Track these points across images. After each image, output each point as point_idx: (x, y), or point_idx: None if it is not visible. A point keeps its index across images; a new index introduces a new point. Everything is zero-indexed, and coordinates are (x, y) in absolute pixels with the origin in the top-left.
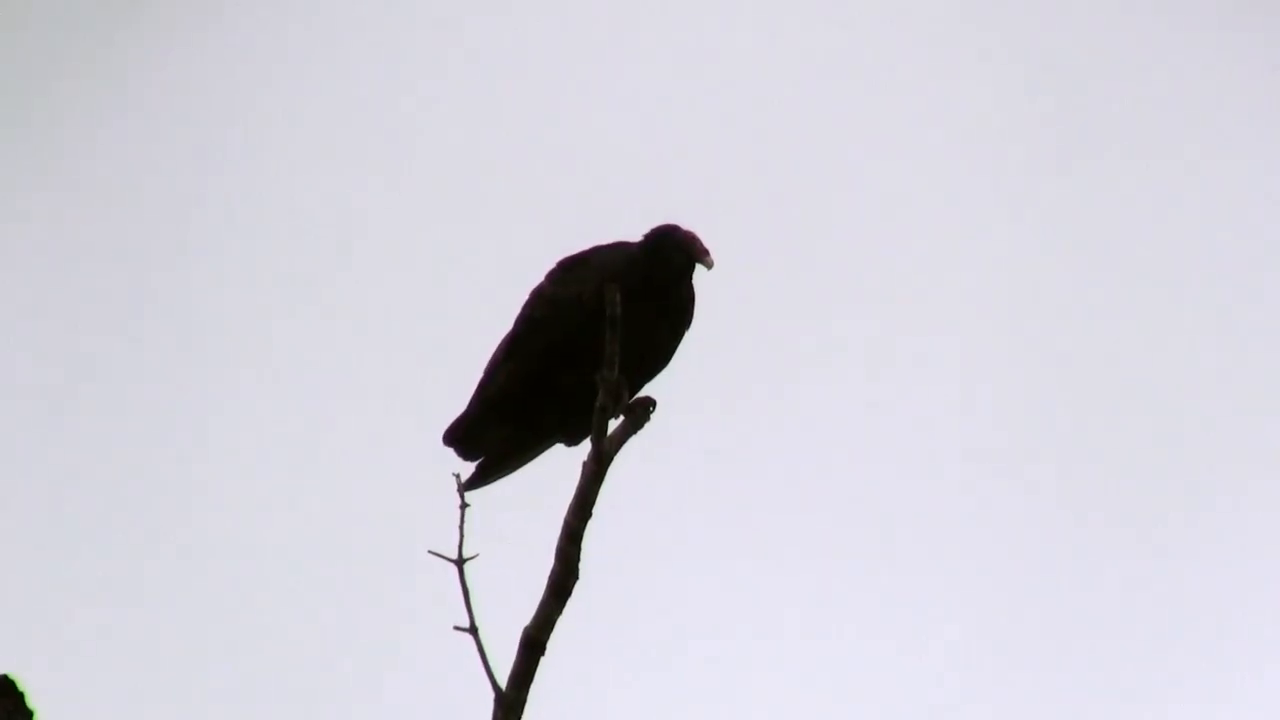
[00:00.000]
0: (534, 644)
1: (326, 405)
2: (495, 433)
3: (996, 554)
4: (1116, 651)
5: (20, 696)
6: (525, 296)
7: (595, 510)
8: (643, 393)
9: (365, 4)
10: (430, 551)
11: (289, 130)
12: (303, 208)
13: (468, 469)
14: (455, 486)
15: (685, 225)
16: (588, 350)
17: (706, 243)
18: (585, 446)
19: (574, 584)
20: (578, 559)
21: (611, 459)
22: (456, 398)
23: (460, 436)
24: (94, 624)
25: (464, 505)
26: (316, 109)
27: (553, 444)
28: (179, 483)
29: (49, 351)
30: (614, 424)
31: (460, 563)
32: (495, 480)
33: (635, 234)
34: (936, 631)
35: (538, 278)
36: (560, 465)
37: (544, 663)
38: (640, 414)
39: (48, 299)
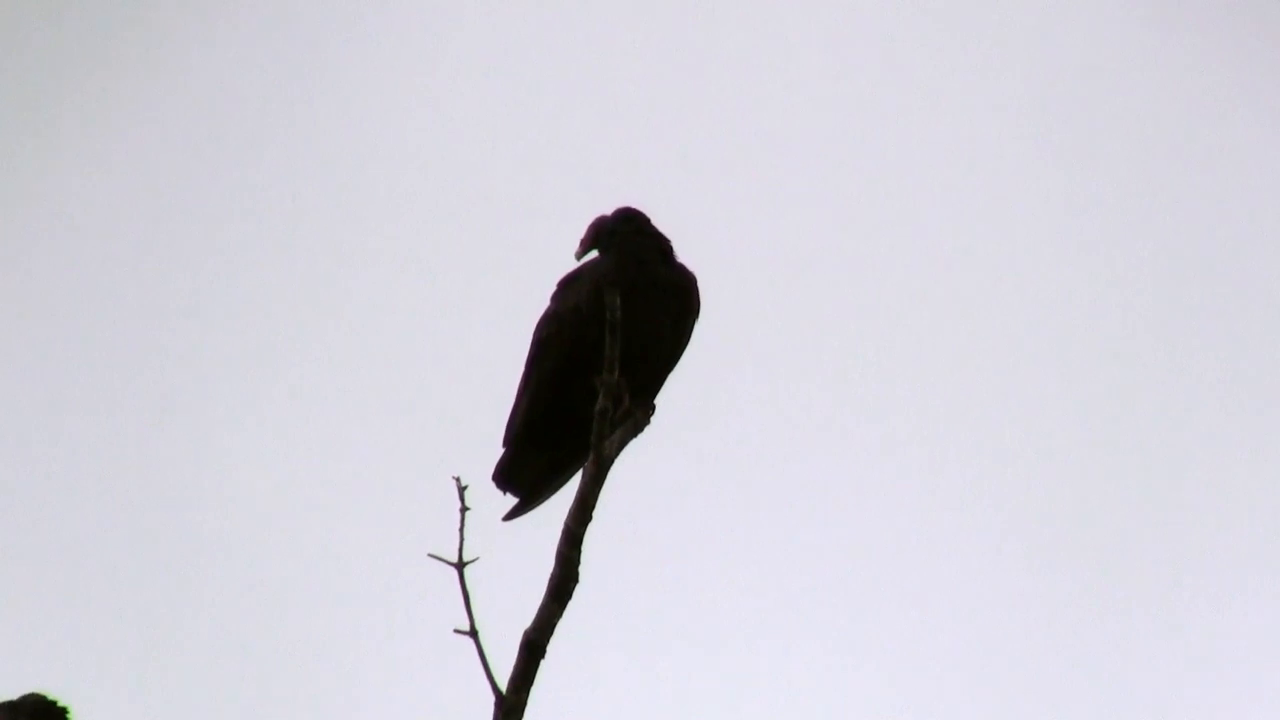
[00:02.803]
0: (534, 647)
1: (328, 410)
2: (532, 464)
3: (995, 557)
4: (1114, 657)
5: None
6: (532, 315)
7: (595, 514)
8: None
9: (367, 17)
10: (431, 555)
11: (294, 138)
12: (309, 212)
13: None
14: (455, 489)
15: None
16: (597, 360)
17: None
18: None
19: (574, 587)
20: (578, 562)
21: (611, 463)
22: (458, 401)
23: (507, 478)
24: (96, 624)
25: (464, 509)
26: (329, 116)
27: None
28: (181, 487)
29: (50, 357)
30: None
31: (460, 566)
32: (536, 506)
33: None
34: (934, 633)
35: (544, 286)
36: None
37: (544, 665)
38: (640, 418)
39: (53, 307)
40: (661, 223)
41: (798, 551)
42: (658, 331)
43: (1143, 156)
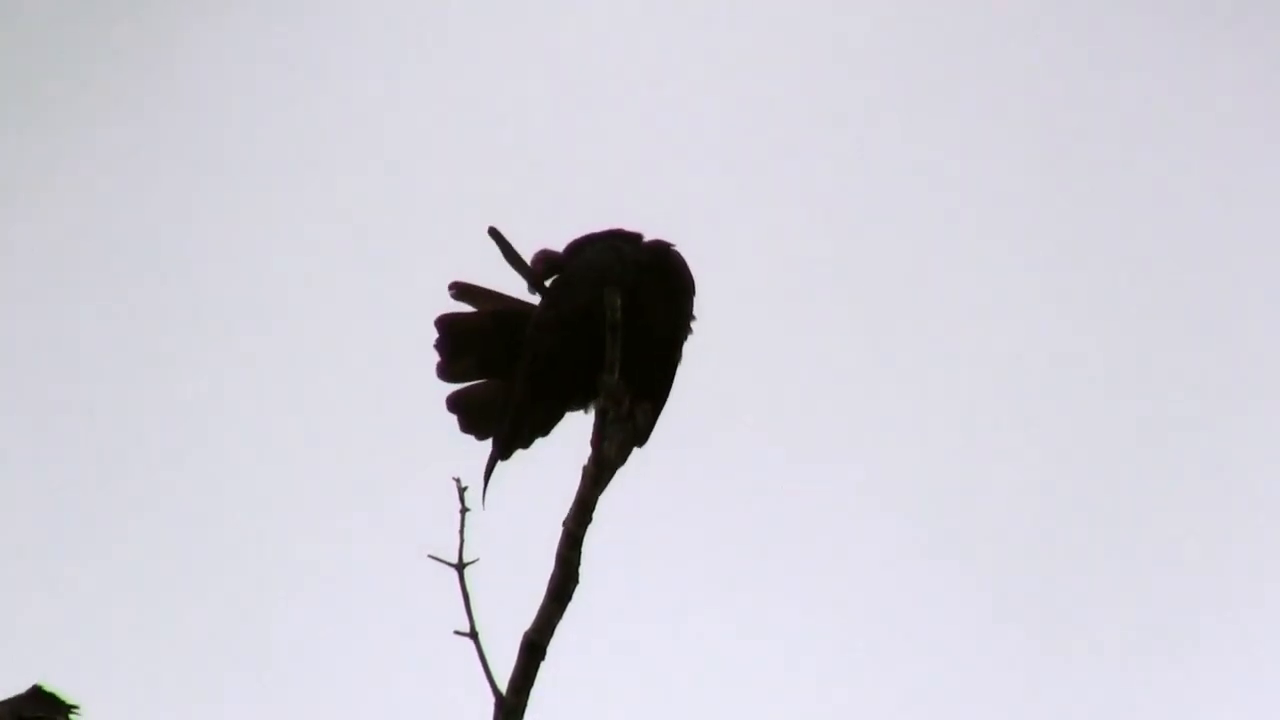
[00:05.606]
0: (534, 648)
1: (326, 409)
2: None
3: (1002, 562)
4: (1113, 657)
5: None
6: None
7: (596, 514)
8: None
9: (360, 16)
10: (430, 556)
11: (290, 135)
12: (309, 210)
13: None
14: (455, 490)
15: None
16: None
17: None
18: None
19: (574, 588)
20: (578, 564)
21: (614, 467)
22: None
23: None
24: (94, 625)
25: (464, 509)
26: (325, 112)
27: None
28: (179, 487)
29: (46, 356)
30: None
31: (460, 567)
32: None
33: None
34: (937, 635)
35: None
36: (561, 469)
37: (544, 667)
38: (642, 421)
39: (51, 305)
40: (659, 229)
41: (799, 551)
42: (663, 323)
43: (1146, 157)
